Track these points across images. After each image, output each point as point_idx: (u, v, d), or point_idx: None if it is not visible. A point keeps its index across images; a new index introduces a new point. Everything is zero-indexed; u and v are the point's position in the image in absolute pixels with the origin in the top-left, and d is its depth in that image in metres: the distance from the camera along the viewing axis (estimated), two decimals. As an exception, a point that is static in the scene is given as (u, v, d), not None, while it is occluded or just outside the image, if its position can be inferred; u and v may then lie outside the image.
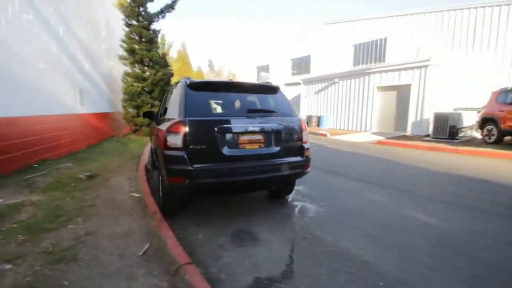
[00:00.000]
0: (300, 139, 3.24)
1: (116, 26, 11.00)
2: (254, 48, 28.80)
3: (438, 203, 3.73)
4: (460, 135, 10.13)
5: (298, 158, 3.16)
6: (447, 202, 3.75)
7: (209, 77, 42.89)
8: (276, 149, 3.02)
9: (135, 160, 6.61)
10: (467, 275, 2.11)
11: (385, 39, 17.38)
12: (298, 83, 22.27)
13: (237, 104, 3.12)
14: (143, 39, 10.50)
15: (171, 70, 12.89)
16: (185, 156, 2.63)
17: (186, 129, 2.66)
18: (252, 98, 3.25)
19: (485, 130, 8.72)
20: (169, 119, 3.01)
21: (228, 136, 2.80)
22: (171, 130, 2.68)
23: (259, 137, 2.95)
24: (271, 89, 3.36)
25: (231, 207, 3.56)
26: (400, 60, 13.95)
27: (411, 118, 12.62)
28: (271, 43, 26.38)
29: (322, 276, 2.09)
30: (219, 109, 2.97)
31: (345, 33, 19.55)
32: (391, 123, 13.94)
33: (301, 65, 23.54)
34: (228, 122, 2.81)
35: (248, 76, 29.73)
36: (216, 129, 2.75)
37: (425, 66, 11.98)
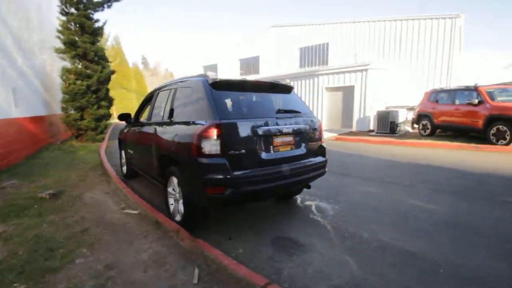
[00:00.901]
0: (320, 139, 3.24)
1: (49, 14, 9.25)
2: (200, 47, 27.80)
3: (423, 190, 4.21)
4: (397, 129, 11.73)
5: (321, 159, 3.15)
6: (432, 189, 4.27)
7: (145, 75, 39.77)
8: (304, 150, 2.96)
9: (97, 170, 5.69)
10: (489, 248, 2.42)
11: (327, 44, 18.90)
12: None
13: (264, 104, 2.92)
14: (86, 30, 9.08)
15: (111, 67, 11.38)
16: (226, 163, 2.35)
17: (223, 132, 2.38)
18: (275, 98, 3.09)
19: (420, 125, 10.26)
20: (188, 122, 2.64)
21: (264, 139, 2.62)
22: (206, 135, 2.35)
23: (290, 138, 2.84)
24: (287, 89, 3.26)
25: (247, 214, 3.35)
26: (344, 64, 15.37)
27: (355, 116, 14.04)
28: (218, 44, 25.90)
29: (391, 273, 2.13)
30: (246, 110, 2.73)
31: (291, 36, 20.54)
32: (338, 121, 15.26)
33: (249, 65, 23.81)
34: (264, 123, 2.62)
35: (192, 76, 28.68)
36: (252, 131, 2.53)
37: (366, 70, 13.46)
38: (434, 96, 9.83)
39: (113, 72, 10.69)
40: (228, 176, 2.34)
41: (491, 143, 7.49)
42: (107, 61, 10.53)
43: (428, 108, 9.88)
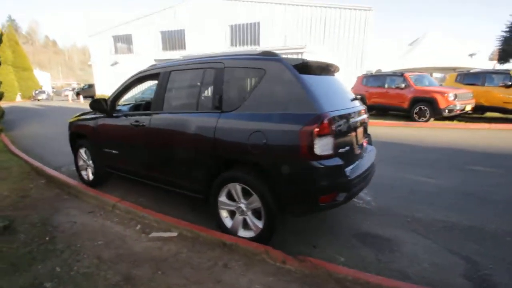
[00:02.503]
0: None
1: None
2: (106, 12, 22.98)
3: (416, 164, 4.77)
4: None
5: (372, 147, 3.08)
6: (408, 164, 4.87)
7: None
8: (368, 139, 2.81)
9: (34, 179, 4.10)
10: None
11: (259, 23, 18.75)
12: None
13: (338, 90, 2.51)
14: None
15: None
16: (342, 165, 1.96)
17: (333, 127, 1.96)
18: (339, 82, 2.69)
19: (355, 106, 11.62)
20: (272, 116, 2.05)
21: (354, 132, 2.31)
22: (319, 132, 1.87)
23: (362, 129, 2.62)
24: (337, 70, 2.90)
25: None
26: (280, 45, 15.65)
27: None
28: (133, 9, 21.93)
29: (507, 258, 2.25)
30: (332, 98, 2.27)
31: (221, 11, 19.34)
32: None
33: (173, 39, 21.41)
34: (355, 114, 2.30)
35: (99, 49, 23.84)
36: (349, 124, 2.19)
37: (302, 53, 14.12)
38: (366, 80, 11.19)
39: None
40: (345, 180, 1.98)
41: (414, 120, 9.15)
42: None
43: (361, 90, 11.19)
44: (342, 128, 2.09)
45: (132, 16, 21.95)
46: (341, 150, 2.06)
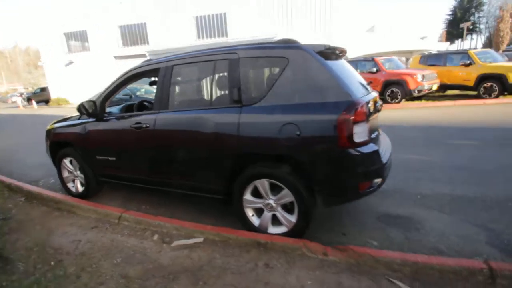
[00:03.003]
0: None
1: None
2: (54, 7, 20.75)
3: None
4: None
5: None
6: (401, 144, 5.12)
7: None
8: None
9: (9, 196, 3.61)
10: None
11: (225, 14, 18.22)
12: (133, 56, 19.20)
13: (354, 75, 2.46)
14: None
15: None
16: (378, 149, 1.95)
17: (366, 113, 1.94)
18: (351, 67, 2.63)
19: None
20: (302, 106, 1.97)
21: (374, 115, 2.31)
22: (357, 118, 1.83)
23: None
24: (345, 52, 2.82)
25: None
26: (248, 36, 15.39)
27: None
28: (87, 3, 20.05)
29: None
30: (354, 84, 2.20)
31: (186, 2, 18.44)
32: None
33: (134, 34, 20.07)
34: (375, 98, 2.29)
35: (50, 48, 21.61)
36: (371, 109, 2.18)
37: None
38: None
39: None
40: (380, 165, 1.98)
41: (387, 102, 9.63)
42: None
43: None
44: (369, 115, 2.08)
45: (86, 10, 20.06)
46: (372, 136, 2.06)
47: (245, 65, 2.21)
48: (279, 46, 2.13)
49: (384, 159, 2.07)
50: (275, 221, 2.27)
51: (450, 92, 11.21)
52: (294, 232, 2.18)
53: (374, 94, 2.39)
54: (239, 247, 2.18)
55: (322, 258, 1.97)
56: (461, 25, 26.71)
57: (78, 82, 21.40)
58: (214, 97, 2.37)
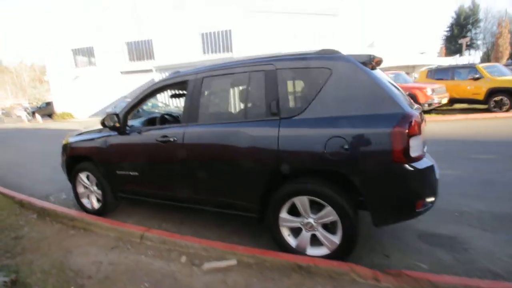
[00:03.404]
0: None
1: None
2: (61, 25, 21.30)
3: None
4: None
5: None
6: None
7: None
8: None
9: (29, 213, 3.46)
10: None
11: (230, 31, 18.61)
12: (140, 71, 19.48)
13: (395, 86, 2.36)
14: None
15: None
16: (433, 164, 1.83)
17: (420, 125, 1.84)
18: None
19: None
20: (351, 119, 1.85)
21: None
22: (413, 131, 1.72)
23: None
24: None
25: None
26: (253, 52, 15.61)
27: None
28: (94, 21, 20.49)
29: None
30: (398, 95, 2.08)
31: (192, 20, 18.88)
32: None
33: (140, 50, 20.43)
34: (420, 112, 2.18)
35: (57, 63, 21.98)
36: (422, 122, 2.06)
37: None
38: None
39: None
40: (435, 182, 1.85)
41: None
42: None
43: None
44: (420, 128, 1.97)
45: (93, 27, 20.52)
46: (424, 150, 1.94)
47: (282, 76, 2.12)
48: (321, 57, 2.05)
49: (437, 174, 1.94)
50: (315, 241, 2.11)
51: (457, 105, 11.18)
52: (337, 254, 2.01)
53: (417, 106, 2.29)
54: (277, 270, 2.00)
55: (374, 284, 1.79)
56: (460, 41, 27.18)
57: (83, 97, 21.60)
58: (248, 109, 2.27)
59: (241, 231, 2.73)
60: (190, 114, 2.46)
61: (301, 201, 2.05)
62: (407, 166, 1.74)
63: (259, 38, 17.79)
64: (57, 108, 22.92)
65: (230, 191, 2.34)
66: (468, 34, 46.34)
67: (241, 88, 2.33)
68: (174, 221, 3.07)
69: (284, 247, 2.18)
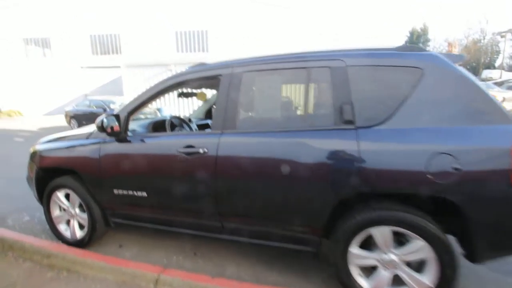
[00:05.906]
0: None
1: None
2: (11, 10, 18.64)
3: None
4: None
5: None
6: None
7: None
8: None
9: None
10: None
11: (206, 31, 17.88)
12: (105, 67, 17.83)
13: None
14: None
15: None
16: None
17: None
18: None
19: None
20: (458, 132, 1.50)
21: None
22: None
23: None
24: None
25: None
26: (231, 53, 15.11)
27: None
28: (52, 10, 18.17)
29: None
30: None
31: (166, 18, 17.75)
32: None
33: (105, 44, 18.67)
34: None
35: (4, 52, 19.17)
36: None
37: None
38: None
39: None
40: None
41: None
42: None
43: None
44: None
45: (51, 16, 18.25)
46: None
47: (356, 75, 1.69)
48: (408, 54, 1.66)
49: None
50: (397, 282, 1.69)
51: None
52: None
53: None
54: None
55: None
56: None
57: (35, 93, 19.09)
58: (308, 115, 1.80)
59: (276, 262, 2.22)
60: (226, 120, 1.91)
61: (382, 233, 1.63)
62: None
63: (237, 39, 17.33)
64: (3, 105, 19.95)
65: (280, 218, 1.84)
66: (421, 51, 50.71)
67: (297, 88, 1.85)
68: (186, 253, 2.45)
69: (353, 286, 1.73)
